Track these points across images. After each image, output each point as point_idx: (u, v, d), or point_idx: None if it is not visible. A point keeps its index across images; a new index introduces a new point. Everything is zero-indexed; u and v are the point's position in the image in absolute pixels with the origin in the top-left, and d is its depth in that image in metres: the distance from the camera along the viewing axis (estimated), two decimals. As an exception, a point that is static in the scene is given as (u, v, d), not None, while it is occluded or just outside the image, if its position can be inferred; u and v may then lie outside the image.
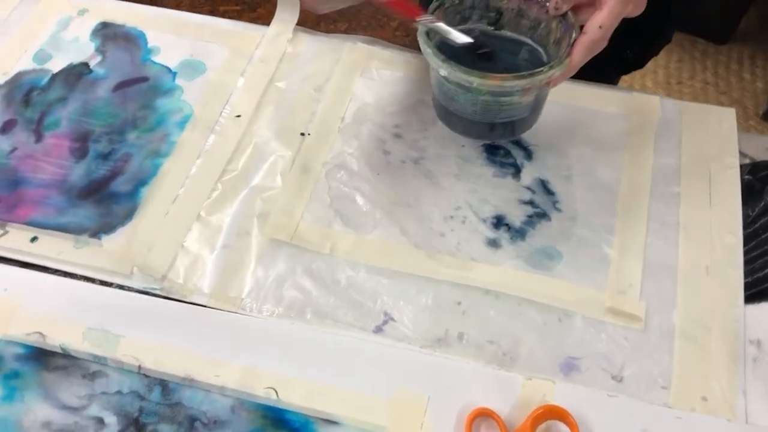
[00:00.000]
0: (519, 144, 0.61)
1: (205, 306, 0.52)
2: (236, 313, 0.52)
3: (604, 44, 0.51)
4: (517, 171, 0.60)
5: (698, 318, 0.51)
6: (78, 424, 0.47)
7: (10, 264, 0.54)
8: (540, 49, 0.56)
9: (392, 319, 0.52)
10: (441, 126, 0.61)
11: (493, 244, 0.56)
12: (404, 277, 0.54)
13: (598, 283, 0.53)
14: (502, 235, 0.56)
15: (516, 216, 0.57)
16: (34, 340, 0.50)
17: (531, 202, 0.58)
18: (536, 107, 0.56)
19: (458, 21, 0.56)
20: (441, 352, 0.50)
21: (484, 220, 0.57)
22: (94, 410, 0.47)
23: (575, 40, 0.51)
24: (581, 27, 0.51)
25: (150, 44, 0.69)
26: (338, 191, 0.58)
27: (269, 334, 0.51)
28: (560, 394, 0.48)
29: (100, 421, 0.47)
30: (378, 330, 0.51)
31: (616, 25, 0.50)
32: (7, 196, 0.58)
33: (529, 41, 0.57)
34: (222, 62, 0.67)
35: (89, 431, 0.47)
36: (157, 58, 0.68)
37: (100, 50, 0.68)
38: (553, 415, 0.46)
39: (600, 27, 0.50)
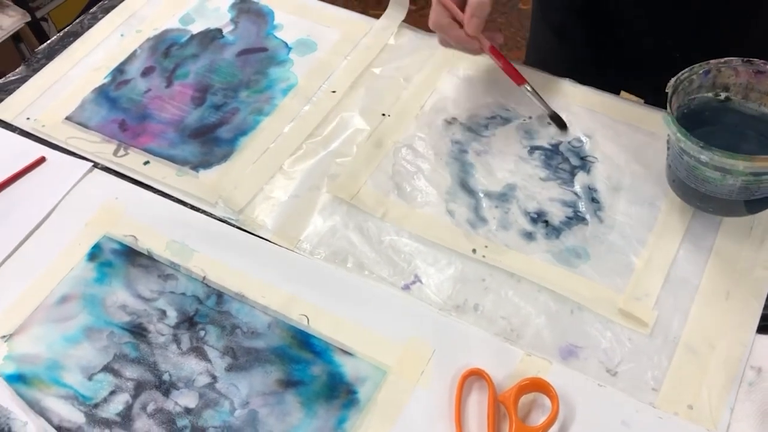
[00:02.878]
0: (578, 155, 0.65)
1: (268, 240, 0.61)
2: (291, 250, 0.61)
3: None
4: (570, 177, 0.64)
5: (706, 335, 0.54)
6: (146, 312, 0.57)
7: (124, 179, 0.66)
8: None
9: (420, 281, 0.58)
10: (509, 127, 0.66)
11: (528, 236, 0.61)
12: (440, 248, 0.60)
13: (616, 287, 0.57)
14: (539, 230, 0.61)
15: (556, 215, 0.62)
16: (128, 241, 0.61)
17: (574, 206, 0.62)
18: None
19: (688, 101, 0.58)
20: (456, 316, 0.56)
21: (526, 214, 0.62)
22: (161, 303, 0.58)
23: None
24: None
25: (276, 21, 0.79)
26: (401, 167, 0.65)
27: (314, 272, 0.59)
28: (554, 373, 0.53)
29: (164, 313, 0.57)
30: (406, 287, 0.58)
31: None
32: (135, 126, 0.70)
33: (762, 109, 0.58)
34: (332, 44, 0.77)
35: (153, 318, 0.57)
36: (278, 34, 0.78)
37: (234, 20, 0.80)
38: (538, 387, 0.51)
39: None
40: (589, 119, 0.67)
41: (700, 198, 0.57)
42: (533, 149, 0.66)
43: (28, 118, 0.71)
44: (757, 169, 0.51)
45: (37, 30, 1.58)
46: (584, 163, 0.65)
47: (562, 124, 0.66)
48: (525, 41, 0.90)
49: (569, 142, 0.66)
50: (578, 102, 0.69)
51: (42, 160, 0.67)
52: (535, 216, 0.62)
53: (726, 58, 0.57)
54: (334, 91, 0.72)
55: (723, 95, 0.59)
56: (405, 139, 0.68)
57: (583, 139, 0.66)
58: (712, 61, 0.57)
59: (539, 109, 0.68)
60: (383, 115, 0.69)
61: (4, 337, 0.56)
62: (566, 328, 0.55)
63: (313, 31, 0.78)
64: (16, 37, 1.51)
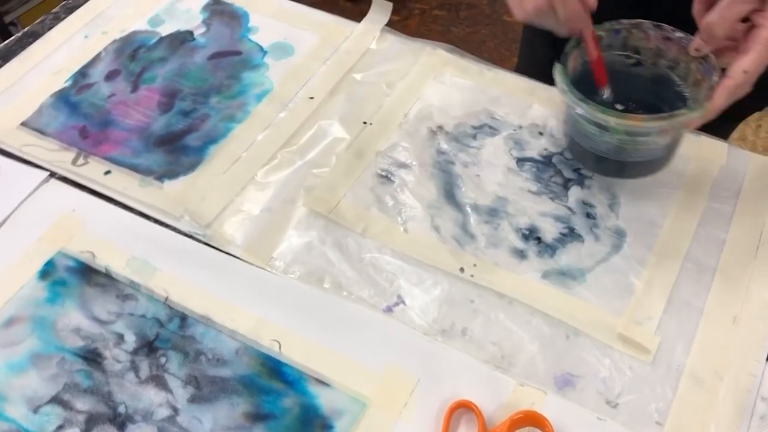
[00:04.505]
0: (572, 167, 0.61)
1: (238, 258, 0.56)
2: (263, 269, 0.56)
3: (747, 89, 0.49)
4: (563, 191, 0.60)
5: (712, 364, 0.50)
6: (102, 335, 0.52)
7: (83, 190, 0.61)
8: (681, 85, 0.56)
9: (403, 302, 0.54)
10: (498, 138, 0.62)
11: (520, 254, 0.56)
12: (425, 267, 0.55)
13: (615, 310, 0.53)
14: (531, 247, 0.57)
15: (549, 232, 0.57)
16: (85, 258, 0.56)
17: (568, 222, 0.58)
18: (671, 148, 0.56)
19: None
20: (442, 341, 0.51)
21: (517, 230, 0.58)
22: (119, 327, 0.52)
23: (717, 84, 0.50)
24: (723, 70, 0.50)
25: (250, 24, 0.75)
26: (383, 179, 0.61)
27: (287, 292, 0.54)
28: (549, 405, 0.48)
29: (121, 337, 0.52)
30: (388, 310, 0.53)
31: (761, 70, 0.48)
32: (96, 133, 0.65)
33: (672, 75, 0.56)
34: (310, 48, 0.72)
35: (110, 343, 0.51)
36: (253, 37, 0.73)
37: (206, 22, 0.75)
38: (532, 421, 0.46)
39: (745, 72, 0.48)
40: (583, 130, 0.63)
41: (581, 152, 0.58)
42: (523, 161, 0.62)
43: (-21, 124, 0.66)
44: (629, 127, 0.51)
45: (5, 35, 1.52)
46: (579, 176, 0.61)
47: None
48: (509, 53, 0.86)
49: (561, 153, 0.62)
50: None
51: (-7, 168, 0.62)
52: (527, 232, 0.57)
53: (638, 20, 0.56)
54: (311, 98, 0.67)
55: (634, 58, 0.57)
56: (388, 148, 0.63)
57: (577, 150, 0.62)
58: (622, 21, 0.56)
59: (530, 118, 0.65)
60: (364, 123, 0.65)
61: (-59, 364, 0.50)
62: (562, 355, 0.51)
63: (290, 35, 0.73)
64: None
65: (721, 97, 0.49)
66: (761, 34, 0.47)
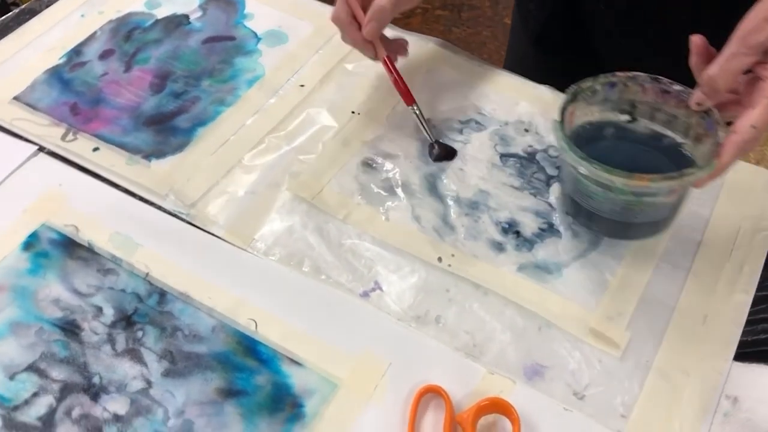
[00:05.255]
0: (555, 165, 0.62)
1: (220, 238, 0.57)
2: (244, 250, 0.56)
3: (756, 145, 0.47)
4: (545, 188, 0.61)
5: (680, 361, 0.51)
6: (81, 308, 0.53)
7: (71, 165, 0.62)
8: (681, 141, 0.54)
9: (380, 288, 0.54)
10: (484, 134, 0.63)
11: (498, 247, 0.57)
12: (404, 255, 0.56)
13: (588, 305, 0.53)
14: (509, 241, 0.57)
15: (528, 227, 0.58)
16: (69, 231, 0.57)
17: (547, 218, 0.59)
18: (676, 206, 0.54)
19: (589, 112, 0.55)
20: (416, 327, 0.52)
21: (497, 224, 0.58)
22: (98, 300, 0.53)
23: (724, 140, 0.47)
24: (727, 124, 0.48)
25: (246, 10, 0.75)
26: (368, 168, 0.62)
27: (266, 274, 0.55)
28: (517, 394, 0.49)
29: (100, 310, 0.52)
30: (365, 295, 0.54)
31: None
32: (87, 110, 0.66)
33: (669, 133, 0.54)
34: (304, 37, 0.73)
35: (88, 315, 0.52)
36: (248, 23, 0.74)
37: (202, 7, 0.76)
38: (499, 408, 0.47)
39: (753, 127, 0.46)
40: (568, 128, 0.64)
41: (581, 212, 0.55)
42: (507, 156, 0.63)
43: (-28, 96, 0.66)
44: (636, 188, 0.48)
45: (4, 13, 1.52)
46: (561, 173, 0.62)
47: (448, 154, 0.62)
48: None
49: (545, 151, 0.63)
50: (556, 111, 0.66)
51: (-18, 140, 0.63)
52: (507, 226, 0.58)
53: (634, 73, 0.53)
54: (302, 85, 0.68)
55: (628, 115, 0.55)
56: (374, 139, 0.64)
57: (561, 148, 0.63)
58: (618, 74, 0.54)
59: (517, 115, 0.65)
60: (353, 112, 0.66)
61: None
62: (533, 346, 0.51)
63: (284, 23, 0.74)
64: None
65: (729, 154, 0.47)
66: (767, 87, 0.45)
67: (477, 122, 0.65)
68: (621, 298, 0.54)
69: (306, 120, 0.65)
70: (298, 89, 0.68)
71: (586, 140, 0.52)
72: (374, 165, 0.62)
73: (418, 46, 0.71)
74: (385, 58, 0.63)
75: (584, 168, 0.49)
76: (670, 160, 0.54)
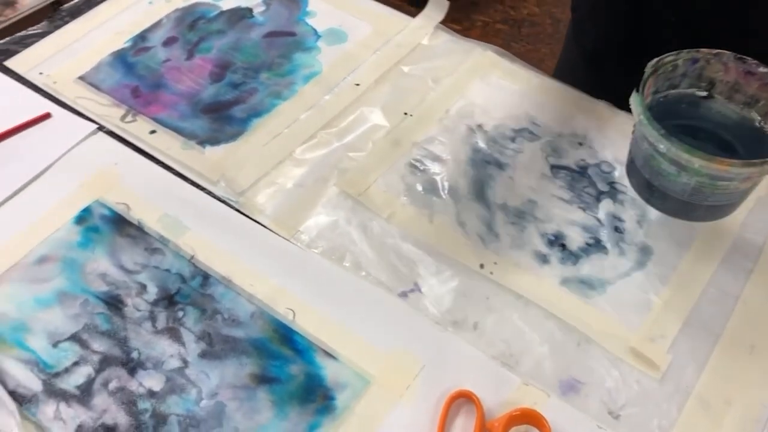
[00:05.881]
0: (606, 181, 0.61)
1: (265, 227, 0.58)
2: (288, 240, 0.57)
3: None
4: (594, 203, 0.60)
5: (722, 390, 0.49)
6: (126, 284, 0.54)
7: (128, 146, 0.63)
8: (761, 124, 0.53)
9: (419, 290, 0.54)
10: (537, 144, 0.63)
11: (542, 258, 0.56)
12: (445, 259, 0.56)
13: (630, 324, 0.52)
14: (554, 253, 0.56)
15: (575, 240, 0.57)
16: (120, 209, 0.58)
17: (595, 233, 0.58)
18: (746, 193, 0.53)
19: (667, 87, 0.55)
20: (453, 332, 0.52)
21: (543, 235, 0.58)
22: (143, 277, 0.54)
23: None
24: None
25: (308, 8, 0.76)
26: (416, 169, 0.62)
27: (308, 265, 0.55)
28: (550, 407, 0.48)
29: (144, 287, 0.54)
30: (403, 295, 0.54)
31: None
32: (147, 93, 0.67)
33: (747, 115, 0.53)
34: (363, 37, 0.73)
35: (132, 291, 0.53)
36: (309, 20, 0.75)
37: (266, 1, 0.77)
38: (531, 419, 0.46)
39: None
40: (623, 145, 0.63)
41: (650, 191, 0.54)
42: (559, 168, 0.62)
43: (41, 73, 0.69)
44: (714, 171, 0.48)
45: None
46: (612, 190, 0.61)
47: None
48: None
49: (598, 166, 0.62)
50: (613, 126, 0.65)
51: (47, 116, 0.65)
52: (552, 238, 0.57)
53: (718, 50, 0.53)
54: (358, 84, 0.69)
55: (705, 92, 0.55)
56: (424, 141, 0.64)
57: (614, 165, 0.62)
58: (702, 50, 0.53)
59: (571, 128, 0.65)
60: (405, 114, 0.66)
61: (-26, 290, 0.53)
62: (570, 361, 0.51)
63: (345, 22, 0.75)
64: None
65: None
66: None
67: (530, 132, 0.65)
68: (665, 320, 0.52)
69: (359, 118, 0.66)
70: (353, 88, 0.68)
71: (660, 115, 0.50)
72: (422, 167, 0.62)
73: (476, 52, 0.71)
74: None
75: (663, 146, 0.48)
76: (743, 143, 0.52)
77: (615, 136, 0.64)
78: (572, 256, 0.56)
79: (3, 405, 0.46)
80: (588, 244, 0.57)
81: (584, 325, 0.52)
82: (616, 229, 0.58)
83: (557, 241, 0.57)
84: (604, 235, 0.58)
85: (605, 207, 0.59)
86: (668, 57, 0.53)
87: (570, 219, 0.59)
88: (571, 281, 0.55)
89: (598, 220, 0.59)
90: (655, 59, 0.53)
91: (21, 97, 0.67)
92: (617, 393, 0.49)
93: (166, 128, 0.64)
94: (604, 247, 0.57)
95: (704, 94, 0.55)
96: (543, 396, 0.49)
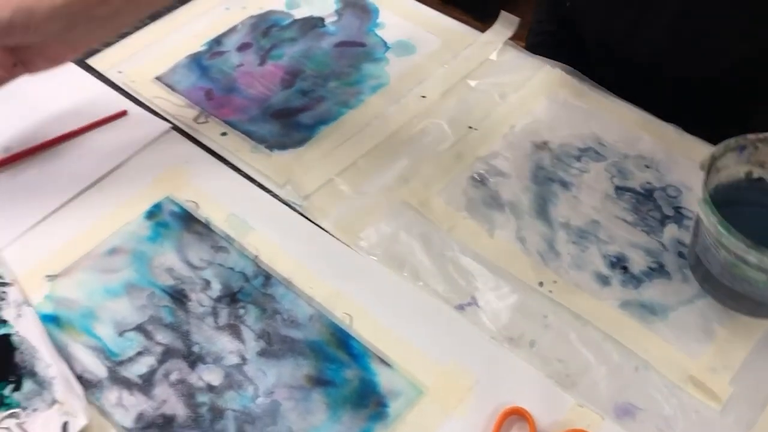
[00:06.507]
0: (672, 205, 0.60)
1: (327, 231, 0.59)
2: (348, 246, 0.58)
3: None
4: (659, 227, 0.59)
5: (787, 427, 0.48)
6: (191, 279, 0.55)
7: (199, 146, 0.65)
8: None
9: (476, 303, 0.54)
10: (602, 164, 0.62)
11: (603, 280, 0.56)
12: (503, 274, 0.56)
13: (691, 352, 0.51)
14: (616, 275, 0.56)
15: (637, 263, 0.56)
16: (189, 207, 0.60)
17: (658, 258, 0.57)
18: None
19: (718, 179, 0.53)
20: (508, 348, 0.52)
21: (604, 256, 0.57)
22: (208, 274, 0.56)
23: None
24: None
25: (379, 19, 0.78)
26: (479, 184, 0.62)
27: (367, 272, 0.56)
28: (604, 431, 0.47)
29: (208, 284, 0.55)
30: (460, 308, 0.54)
31: None
32: (220, 96, 0.69)
33: None
34: (431, 50, 0.74)
35: (197, 287, 0.55)
36: (379, 32, 0.76)
37: (338, 12, 0.78)
38: (585, 441, 0.46)
39: None
40: (691, 170, 0.62)
41: (732, 296, 0.51)
42: (623, 190, 0.61)
43: (119, 72, 0.71)
44: None
45: None
46: (678, 215, 0.60)
47: None
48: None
49: (664, 190, 0.61)
50: (681, 150, 0.64)
51: (123, 113, 0.67)
52: (614, 260, 0.57)
53: (764, 134, 0.51)
54: (424, 96, 0.69)
55: (757, 174, 0.53)
56: (488, 155, 0.64)
57: (681, 189, 0.61)
58: (749, 136, 0.51)
59: (638, 150, 0.64)
60: (470, 128, 0.66)
61: (49, 276, 0.55)
62: (627, 385, 0.50)
63: (414, 35, 0.76)
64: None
65: None
66: None
67: (596, 151, 0.64)
68: (728, 351, 0.51)
69: (423, 130, 0.66)
70: (419, 100, 0.69)
71: (718, 206, 0.48)
72: (485, 181, 0.62)
73: (544, 70, 0.71)
74: None
75: (754, 257, 0.46)
76: None
77: (683, 160, 0.63)
78: (634, 280, 0.56)
79: (71, 388, 0.48)
80: (651, 268, 0.56)
81: (643, 350, 0.51)
82: (681, 255, 0.57)
83: (619, 264, 0.57)
84: (668, 260, 0.57)
85: (670, 232, 0.58)
86: (718, 150, 0.51)
87: (633, 242, 0.58)
88: (631, 305, 0.54)
89: (662, 244, 0.58)
90: (707, 155, 0.51)
91: (99, 94, 0.69)
92: (675, 421, 0.48)
93: (237, 131, 0.66)
94: (668, 273, 0.56)
95: (755, 176, 0.54)
96: (597, 419, 0.48)
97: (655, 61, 0.67)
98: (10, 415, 0.48)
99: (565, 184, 0.62)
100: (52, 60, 0.58)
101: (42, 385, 0.49)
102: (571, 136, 0.66)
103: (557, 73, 0.71)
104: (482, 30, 0.76)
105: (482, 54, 0.73)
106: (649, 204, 0.60)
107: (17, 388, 0.49)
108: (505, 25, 0.75)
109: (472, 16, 0.82)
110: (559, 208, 0.60)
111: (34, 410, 0.48)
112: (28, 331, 0.52)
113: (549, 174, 0.63)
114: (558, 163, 0.63)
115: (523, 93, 0.69)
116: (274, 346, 0.52)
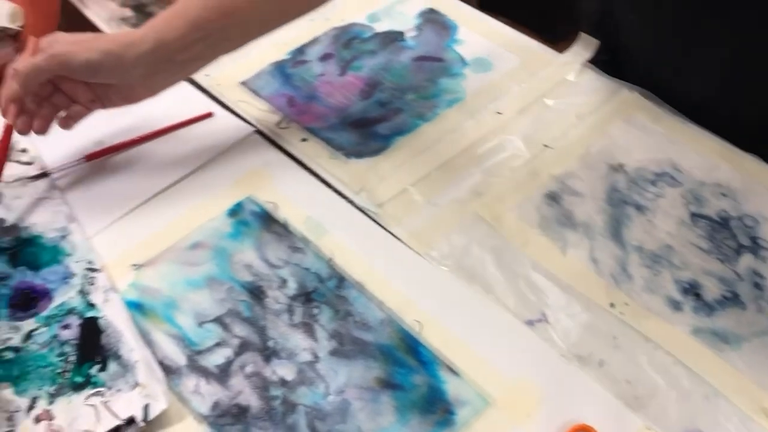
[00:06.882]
0: (749, 235, 0.59)
1: (400, 239, 0.60)
2: (420, 255, 0.59)
3: None
4: (735, 256, 0.58)
5: None
6: (269, 276, 0.57)
7: (280, 150, 0.67)
8: None
9: (546, 320, 0.55)
10: (678, 190, 0.62)
11: (675, 305, 0.55)
12: (574, 293, 0.56)
13: (764, 383, 0.51)
14: (688, 302, 0.56)
15: (711, 291, 0.56)
16: (269, 208, 0.62)
17: (732, 287, 0.56)
18: None
19: None
20: (577, 366, 0.52)
21: (677, 282, 0.57)
22: (284, 272, 0.58)
23: None
24: None
25: (458, 36, 0.79)
26: (552, 202, 0.62)
27: (437, 281, 0.57)
28: (672, 456, 0.47)
29: (284, 282, 0.57)
30: (529, 323, 0.54)
31: None
32: (302, 104, 0.72)
33: None
34: (508, 68, 0.75)
35: (274, 284, 0.57)
36: (457, 48, 0.78)
37: (418, 27, 0.80)
38: (653, 463, 0.46)
39: None
40: (771, 200, 0.61)
41: None
42: (699, 217, 0.61)
43: (207, 75, 0.75)
44: None
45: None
46: (754, 245, 0.59)
47: None
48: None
49: (741, 219, 0.61)
50: (759, 180, 0.63)
51: (210, 114, 0.70)
52: (687, 286, 0.56)
53: None
54: (500, 113, 0.70)
55: None
56: (563, 175, 0.64)
57: (759, 219, 0.61)
58: None
59: (715, 177, 0.63)
60: (545, 146, 0.67)
61: (134, 265, 0.58)
62: (697, 412, 0.49)
63: (492, 52, 0.77)
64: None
65: None
66: None
67: (672, 177, 0.64)
68: (804, 386, 0.50)
69: (498, 145, 0.67)
70: (495, 116, 0.70)
71: None
72: (559, 200, 0.63)
73: (623, 93, 0.71)
74: (7, 126, 0.60)
75: None
76: None
77: (761, 190, 0.63)
78: (706, 307, 0.55)
79: (152, 373, 0.51)
80: (725, 297, 0.56)
81: (715, 378, 0.51)
82: (756, 286, 0.56)
83: (692, 290, 0.56)
84: (743, 290, 0.56)
85: (746, 261, 0.58)
86: None
87: (707, 269, 0.57)
88: (703, 332, 0.54)
89: (737, 274, 0.57)
90: None
91: (188, 96, 0.73)
92: (746, 452, 0.48)
93: (316, 137, 0.68)
94: (742, 303, 0.55)
95: None
96: (666, 443, 0.48)
97: (705, 103, 0.67)
98: (96, 393, 0.50)
99: (639, 208, 0.62)
100: (128, 99, 0.60)
101: (126, 367, 0.51)
102: (647, 160, 0.66)
103: (635, 96, 0.71)
104: (558, 50, 0.76)
105: (560, 74, 0.74)
106: (725, 232, 0.60)
107: (103, 369, 0.51)
108: (583, 47, 0.76)
109: (542, 37, 0.83)
110: (633, 231, 0.60)
111: (118, 391, 0.50)
112: (114, 316, 0.54)
113: (624, 196, 0.63)
114: (633, 186, 0.63)
115: (600, 115, 0.69)
116: (346, 347, 0.53)
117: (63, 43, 0.57)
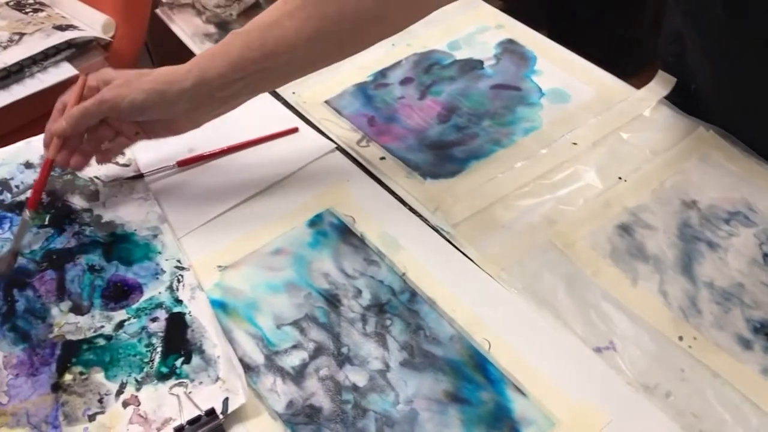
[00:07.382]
0: (824, 278, 0.59)
1: (472, 260, 0.62)
2: (491, 276, 0.61)
3: None
4: (809, 299, 0.58)
5: None
6: (344, 286, 0.60)
7: (359, 167, 0.70)
8: None
9: (614, 348, 0.55)
10: (752, 230, 0.62)
11: (745, 344, 0.56)
12: (643, 324, 0.57)
13: (836, 429, 0.50)
14: (759, 341, 0.56)
15: (783, 332, 0.56)
16: (347, 221, 0.65)
17: (806, 329, 0.56)
18: None
19: None
20: (643, 396, 0.53)
21: (748, 320, 0.57)
22: (360, 283, 0.60)
23: None
24: None
25: (536, 66, 0.81)
26: (624, 233, 0.63)
27: (507, 303, 0.58)
28: (737, 492, 0.47)
29: (359, 292, 0.59)
30: (597, 350, 0.55)
31: None
32: (381, 124, 0.75)
33: None
34: (585, 101, 0.77)
35: (349, 294, 0.59)
36: (535, 78, 0.80)
37: (497, 56, 0.83)
38: (718, 497, 0.46)
39: None
40: None
41: None
42: (773, 258, 0.61)
43: (293, 93, 0.78)
44: None
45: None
46: (830, 289, 0.59)
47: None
48: None
49: (817, 263, 0.60)
50: (839, 225, 0.63)
51: (295, 130, 0.74)
52: (758, 326, 0.57)
53: None
54: (575, 143, 0.72)
55: None
56: (636, 208, 0.65)
57: (835, 264, 0.60)
58: None
59: (791, 219, 0.63)
60: (620, 178, 0.68)
61: (220, 266, 0.61)
62: (764, 451, 0.50)
63: (569, 84, 0.79)
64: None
65: None
66: None
67: (746, 217, 0.64)
68: None
69: (572, 175, 0.69)
70: (570, 146, 0.72)
71: None
72: (631, 232, 0.63)
73: (698, 131, 0.72)
74: (47, 161, 0.62)
75: None
76: None
77: (839, 236, 0.62)
78: (778, 348, 0.55)
79: (233, 369, 0.54)
80: (797, 339, 0.56)
81: (784, 419, 0.51)
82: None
83: (763, 330, 0.56)
84: (816, 334, 0.56)
85: (820, 305, 0.58)
86: None
87: (780, 310, 0.58)
88: (773, 372, 0.54)
89: (812, 317, 0.57)
90: None
91: (275, 111, 0.77)
92: (813, 495, 0.47)
93: (395, 157, 0.71)
94: (816, 346, 0.55)
95: None
96: (731, 479, 0.48)
97: None
98: (179, 384, 0.53)
99: (711, 245, 0.62)
100: (172, 131, 0.63)
101: (208, 362, 0.54)
102: (721, 199, 0.66)
103: (711, 134, 0.72)
104: (634, 86, 0.78)
105: (636, 109, 0.75)
106: (800, 274, 0.60)
107: (187, 362, 0.55)
108: (661, 85, 0.77)
109: (614, 72, 0.84)
110: (704, 267, 0.61)
111: (200, 383, 0.53)
112: (199, 313, 0.58)
113: (696, 233, 0.63)
114: (706, 223, 0.64)
115: (675, 151, 0.70)
116: (416, 359, 0.55)
117: (111, 87, 0.60)
